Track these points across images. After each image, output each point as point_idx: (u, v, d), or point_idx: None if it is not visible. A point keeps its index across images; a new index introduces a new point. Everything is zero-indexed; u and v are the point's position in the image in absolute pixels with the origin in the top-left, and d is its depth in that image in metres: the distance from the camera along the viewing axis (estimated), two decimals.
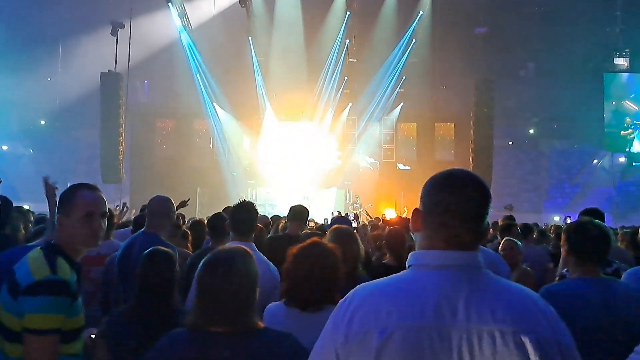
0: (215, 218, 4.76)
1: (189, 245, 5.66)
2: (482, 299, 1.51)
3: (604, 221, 4.80)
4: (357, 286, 1.65)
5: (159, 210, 4.21)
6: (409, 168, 27.17)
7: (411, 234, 1.82)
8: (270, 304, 2.90)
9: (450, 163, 26.05)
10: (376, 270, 4.35)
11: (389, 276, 1.64)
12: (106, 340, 2.86)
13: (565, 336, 1.51)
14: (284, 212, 9.62)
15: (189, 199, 7.42)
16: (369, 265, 4.86)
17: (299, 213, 5.59)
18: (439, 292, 1.52)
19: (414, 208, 1.70)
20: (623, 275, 3.45)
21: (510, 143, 29.63)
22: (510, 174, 28.33)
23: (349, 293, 1.64)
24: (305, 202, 8.26)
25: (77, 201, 2.57)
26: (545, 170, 28.93)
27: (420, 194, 1.69)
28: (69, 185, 2.71)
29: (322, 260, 2.75)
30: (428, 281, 1.55)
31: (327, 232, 4.08)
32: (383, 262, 4.86)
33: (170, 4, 21.50)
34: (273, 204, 23.19)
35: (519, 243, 5.40)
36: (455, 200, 1.59)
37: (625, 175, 28.19)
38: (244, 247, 2.37)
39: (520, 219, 8.64)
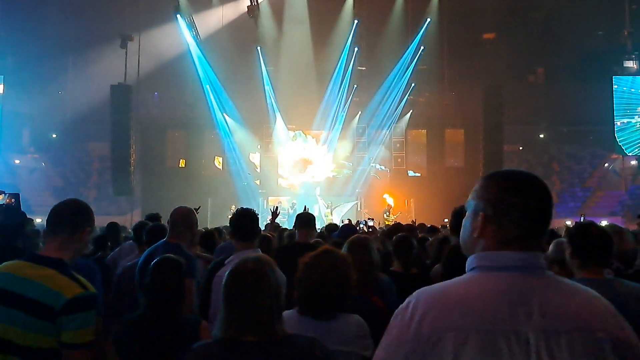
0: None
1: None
2: (555, 299, 1.52)
3: None
4: (418, 291, 1.63)
5: (182, 221, 4.29)
6: (419, 175, 27.17)
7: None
8: (284, 312, 2.91)
9: (460, 169, 26.05)
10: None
11: (453, 279, 1.63)
12: (116, 346, 2.91)
13: (634, 336, 1.52)
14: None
15: (200, 206, 7.45)
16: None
17: (306, 220, 5.61)
18: (511, 293, 1.52)
19: (480, 214, 1.64)
20: None
21: (521, 148, 29.53)
22: None
23: (408, 298, 1.62)
24: (315, 211, 8.30)
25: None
26: (557, 175, 28.77)
27: (480, 199, 1.66)
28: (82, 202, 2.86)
29: (333, 269, 2.76)
30: (498, 283, 1.55)
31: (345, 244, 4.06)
32: (391, 269, 4.82)
33: (178, 15, 21.63)
34: (284, 213, 23.31)
35: None
36: (531, 203, 1.59)
37: (637, 179, 27.98)
38: (267, 255, 2.38)
39: None
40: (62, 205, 2.80)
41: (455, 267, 2.19)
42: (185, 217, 4.33)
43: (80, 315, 2.48)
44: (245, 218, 4.10)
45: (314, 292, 2.72)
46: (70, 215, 2.75)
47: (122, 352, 2.90)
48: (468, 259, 1.67)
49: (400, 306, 1.62)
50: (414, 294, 1.62)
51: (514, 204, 1.60)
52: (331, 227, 9.01)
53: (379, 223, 18.30)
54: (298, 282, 2.79)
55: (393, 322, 1.61)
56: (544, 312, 1.48)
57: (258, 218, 4.26)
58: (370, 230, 8.61)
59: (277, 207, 7.56)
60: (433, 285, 1.64)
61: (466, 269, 1.65)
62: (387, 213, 23.12)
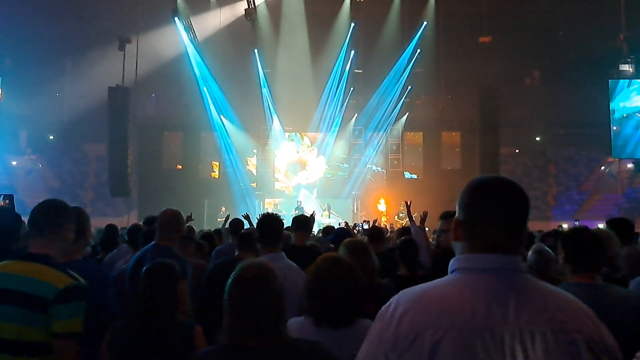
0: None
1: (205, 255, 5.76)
2: (531, 301, 1.53)
3: (633, 229, 4.79)
4: (400, 292, 1.66)
5: (169, 223, 4.27)
6: (415, 177, 27.21)
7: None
8: (291, 320, 2.85)
9: (456, 171, 26.07)
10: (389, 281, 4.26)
11: (433, 281, 1.66)
12: (110, 352, 2.91)
13: (610, 337, 1.53)
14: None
15: (191, 213, 7.51)
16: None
17: (302, 222, 5.57)
18: (487, 293, 1.54)
19: (454, 218, 1.71)
20: (630, 284, 3.47)
21: (517, 151, 29.58)
22: (517, 181, 28.00)
23: (391, 299, 1.65)
24: (309, 213, 8.27)
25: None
26: (553, 178, 28.82)
27: (457, 204, 1.71)
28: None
29: (349, 279, 2.74)
30: (475, 284, 1.58)
31: (340, 246, 4.01)
32: (397, 273, 4.78)
33: (176, 18, 21.66)
34: (281, 214, 23.37)
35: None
36: (497, 210, 1.63)
37: (634, 182, 28.00)
38: (267, 260, 2.39)
39: (529, 227, 8.61)
40: (42, 205, 2.87)
41: (441, 268, 2.22)
42: (173, 219, 4.31)
43: (72, 305, 2.58)
44: (271, 222, 4.07)
45: (334, 304, 2.69)
46: (52, 215, 2.82)
47: (115, 358, 2.90)
48: (450, 261, 1.70)
49: (383, 307, 1.65)
50: (396, 295, 1.66)
51: (480, 211, 1.65)
52: (327, 229, 8.98)
53: (389, 226, 18.35)
54: (312, 293, 2.76)
55: (375, 322, 1.64)
56: (520, 312, 1.51)
57: (283, 223, 4.24)
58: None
59: (313, 213, 7.51)
60: (414, 287, 1.67)
61: (448, 271, 1.68)
62: (402, 214, 23.21)
